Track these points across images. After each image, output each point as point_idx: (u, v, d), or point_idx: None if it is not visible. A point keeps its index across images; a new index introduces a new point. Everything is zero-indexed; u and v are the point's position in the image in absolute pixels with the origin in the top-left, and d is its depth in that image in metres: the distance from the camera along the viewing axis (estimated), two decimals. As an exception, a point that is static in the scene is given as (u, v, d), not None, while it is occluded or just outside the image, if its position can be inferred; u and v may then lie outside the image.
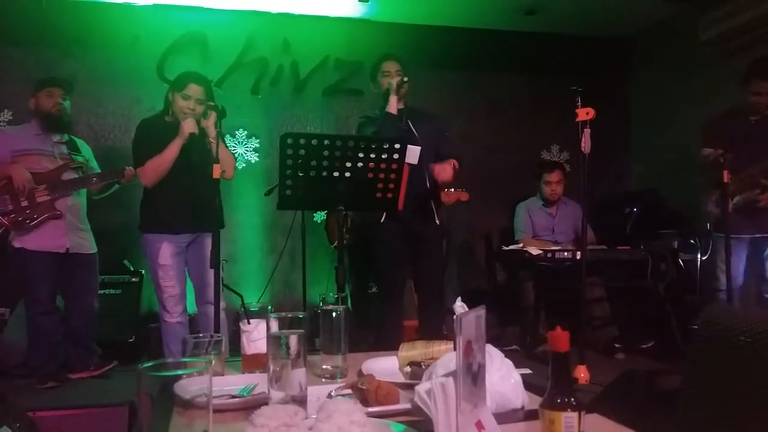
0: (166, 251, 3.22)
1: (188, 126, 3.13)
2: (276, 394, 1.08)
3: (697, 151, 3.87)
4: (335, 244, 4.60)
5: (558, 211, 4.70)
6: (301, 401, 1.07)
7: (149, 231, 3.27)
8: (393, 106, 3.34)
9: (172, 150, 3.14)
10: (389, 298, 3.42)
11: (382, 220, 3.36)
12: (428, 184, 3.37)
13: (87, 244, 3.65)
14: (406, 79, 3.36)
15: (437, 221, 3.43)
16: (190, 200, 3.21)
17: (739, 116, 3.69)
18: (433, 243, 3.46)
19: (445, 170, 3.24)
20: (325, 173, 2.42)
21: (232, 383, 1.38)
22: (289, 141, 2.37)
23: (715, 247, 3.79)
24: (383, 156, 2.47)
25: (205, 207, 3.06)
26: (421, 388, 0.95)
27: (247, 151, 5.04)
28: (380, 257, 3.45)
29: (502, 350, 1.23)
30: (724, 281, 3.62)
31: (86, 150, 3.80)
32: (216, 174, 2.83)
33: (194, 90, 3.22)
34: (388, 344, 1.64)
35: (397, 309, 3.43)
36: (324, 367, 1.51)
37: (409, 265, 3.46)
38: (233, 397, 1.28)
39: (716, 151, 3.55)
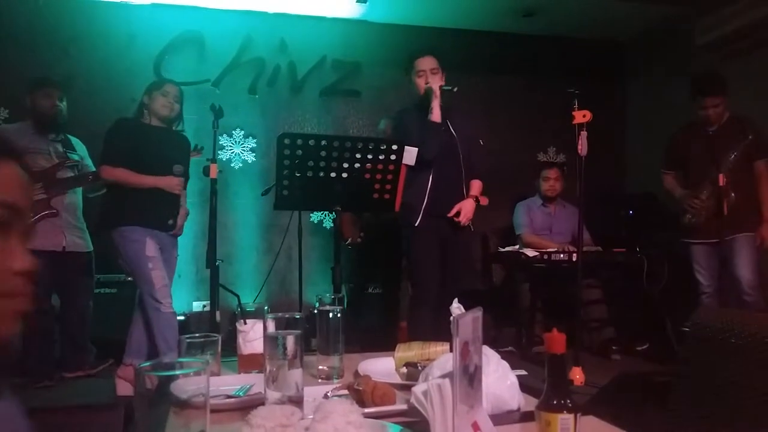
0: (151, 244, 3.20)
1: (174, 188, 3.32)
2: (272, 395, 1.08)
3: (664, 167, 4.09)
4: (348, 241, 4.57)
5: (556, 211, 4.72)
6: (297, 402, 1.07)
7: (131, 224, 3.19)
8: (437, 114, 3.20)
9: (147, 182, 3.25)
10: (423, 300, 3.31)
11: (416, 224, 3.25)
12: (465, 191, 3.33)
13: (83, 242, 3.65)
14: (455, 89, 3.18)
15: (471, 228, 3.38)
16: (165, 200, 3.32)
17: (697, 131, 3.87)
18: (466, 248, 3.41)
19: (467, 213, 3.25)
20: (322, 174, 2.41)
21: (228, 383, 1.38)
22: (287, 141, 2.36)
23: (691, 253, 3.88)
24: (380, 157, 2.47)
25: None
26: (418, 389, 0.96)
27: (243, 150, 5.04)
28: (415, 259, 3.37)
29: (498, 351, 1.23)
30: (706, 284, 3.81)
31: (81, 148, 3.81)
32: (213, 174, 2.85)
33: (171, 88, 3.39)
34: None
35: (428, 310, 3.34)
36: (320, 367, 1.51)
37: (442, 268, 3.40)
38: (229, 397, 1.28)
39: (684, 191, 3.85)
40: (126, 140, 3.27)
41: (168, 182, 3.28)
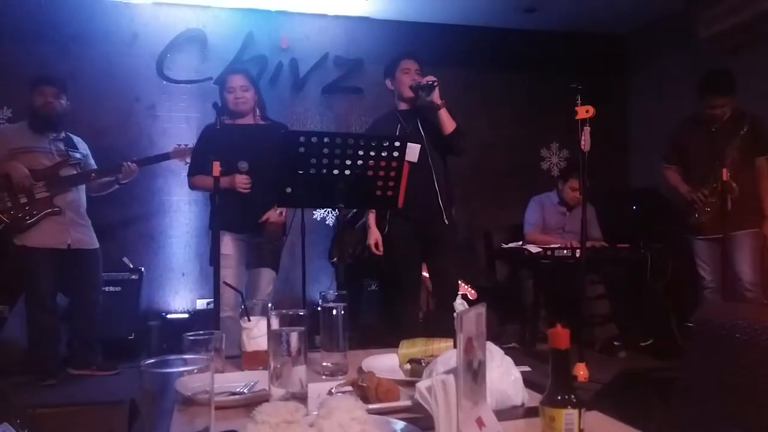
0: (228, 242, 3.23)
1: (238, 185, 3.20)
2: (277, 391, 1.08)
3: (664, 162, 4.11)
4: (334, 260, 4.59)
5: (573, 212, 4.63)
6: (301, 398, 1.07)
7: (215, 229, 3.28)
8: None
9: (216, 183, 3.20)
10: (406, 297, 3.32)
11: (387, 217, 3.30)
12: (435, 184, 3.29)
13: (88, 240, 3.65)
14: (435, 83, 3.16)
15: (446, 221, 3.30)
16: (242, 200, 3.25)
17: (699, 127, 3.86)
18: (445, 242, 3.34)
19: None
20: (325, 171, 2.41)
21: (232, 380, 1.38)
22: (289, 138, 2.36)
23: (694, 248, 3.90)
24: (383, 154, 2.47)
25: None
26: (422, 384, 0.96)
27: (246, 148, 5.03)
28: (394, 257, 3.38)
29: (501, 348, 1.23)
30: (708, 279, 3.81)
31: (84, 147, 3.82)
32: (216, 172, 2.84)
33: (236, 80, 3.29)
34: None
35: (414, 307, 3.36)
36: (324, 364, 1.51)
37: (422, 263, 3.41)
38: (233, 394, 1.28)
39: (688, 189, 3.85)
40: (202, 147, 3.29)
41: (230, 181, 3.17)
